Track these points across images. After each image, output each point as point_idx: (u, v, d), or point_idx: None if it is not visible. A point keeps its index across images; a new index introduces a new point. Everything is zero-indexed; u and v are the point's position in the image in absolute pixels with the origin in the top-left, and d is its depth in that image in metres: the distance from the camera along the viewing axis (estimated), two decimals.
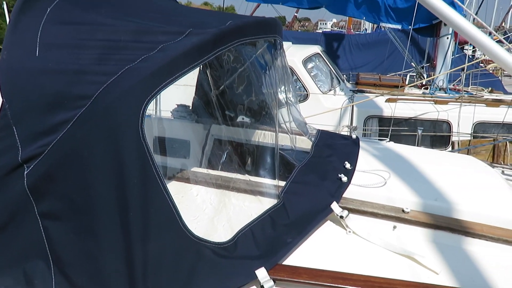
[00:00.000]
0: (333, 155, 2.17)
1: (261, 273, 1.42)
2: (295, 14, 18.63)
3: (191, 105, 3.09)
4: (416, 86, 6.90)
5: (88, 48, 1.50)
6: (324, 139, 2.41)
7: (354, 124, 5.63)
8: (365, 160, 2.19)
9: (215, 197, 1.89)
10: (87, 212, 1.40)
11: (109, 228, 1.38)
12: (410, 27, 6.72)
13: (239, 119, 2.75)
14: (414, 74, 8.52)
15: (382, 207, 1.79)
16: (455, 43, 7.48)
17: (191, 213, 1.77)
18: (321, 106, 5.74)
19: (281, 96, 2.31)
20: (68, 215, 1.42)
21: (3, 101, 1.44)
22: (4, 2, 7.83)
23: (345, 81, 6.81)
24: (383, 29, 8.13)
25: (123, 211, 1.37)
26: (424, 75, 7.92)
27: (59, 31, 1.56)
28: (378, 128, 5.75)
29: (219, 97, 2.57)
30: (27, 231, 1.46)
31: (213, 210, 1.82)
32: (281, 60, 2.26)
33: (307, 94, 5.84)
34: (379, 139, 2.79)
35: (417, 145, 5.16)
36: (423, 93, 6.48)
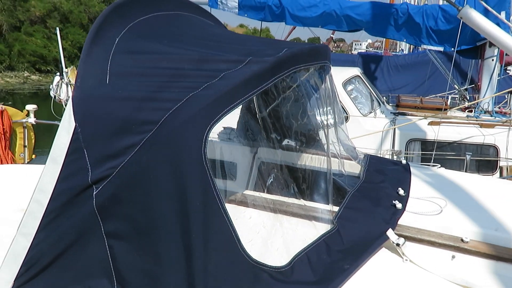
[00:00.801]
0: (385, 181, 2.15)
1: None
2: (331, 35, 18.69)
3: (236, 127, 3.16)
4: (459, 109, 6.73)
5: (154, 76, 1.58)
6: (374, 164, 2.40)
7: (396, 148, 5.54)
8: (418, 186, 2.16)
9: (268, 221, 1.90)
10: (150, 233, 1.45)
11: (172, 250, 1.43)
12: (453, 49, 6.60)
13: (286, 142, 2.77)
14: (456, 96, 8.32)
15: (439, 236, 1.75)
16: (501, 65, 7.27)
17: (245, 236, 1.79)
18: (361, 128, 5.69)
19: (330, 121, 2.33)
20: (132, 236, 1.48)
21: (75, 125, 1.53)
22: (57, 28, 8.34)
23: (385, 103, 6.74)
24: (421, 49, 8.05)
25: (185, 233, 1.41)
26: (467, 97, 7.72)
27: (127, 60, 1.65)
28: (420, 152, 5.62)
29: (267, 120, 2.61)
30: (94, 249, 1.52)
31: (267, 233, 1.84)
32: (330, 84, 2.29)
33: (347, 117, 5.81)
34: (429, 165, 2.74)
35: (465, 170, 5.00)
36: (467, 116, 6.31)
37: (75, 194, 1.51)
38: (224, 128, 3.20)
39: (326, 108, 2.26)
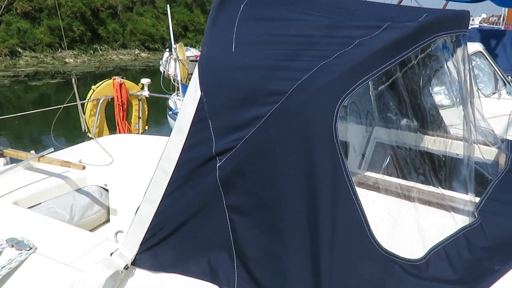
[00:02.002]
0: None
1: None
2: (443, 8, 17.09)
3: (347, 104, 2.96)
4: None
5: (281, 44, 1.48)
6: None
7: None
8: None
9: (393, 206, 1.73)
10: (274, 210, 1.38)
11: (296, 229, 1.34)
12: None
13: (406, 122, 2.52)
14: None
15: None
16: None
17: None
18: (483, 111, 5.08)
19: (467, 99, 2.03)
20: (254, 211, 1.42)
21: (201, 94, 1.50)
22: (168, 5, 8.75)
23: (511, 83, 5.95)
24: None
25: (312, 213, 1.31)
26: None
27: (252, 27, 1.57)
28: None
29: (390, 96, 2.38)
30: (215, 222, 1.50)
31: (393, 220, 1.67)
32: (467, 57, 2.00)
33: None
34: None
35: None
36: None
37: (199, 164, 1.49)
38: None
39: (464, 85, 1.97)
